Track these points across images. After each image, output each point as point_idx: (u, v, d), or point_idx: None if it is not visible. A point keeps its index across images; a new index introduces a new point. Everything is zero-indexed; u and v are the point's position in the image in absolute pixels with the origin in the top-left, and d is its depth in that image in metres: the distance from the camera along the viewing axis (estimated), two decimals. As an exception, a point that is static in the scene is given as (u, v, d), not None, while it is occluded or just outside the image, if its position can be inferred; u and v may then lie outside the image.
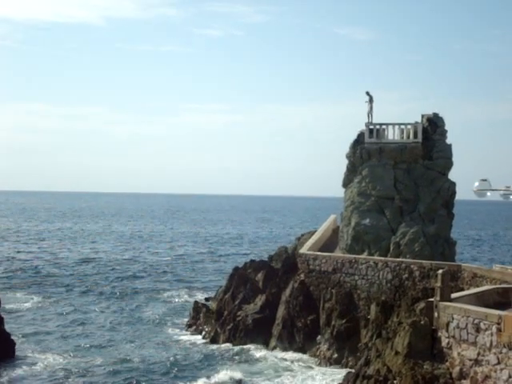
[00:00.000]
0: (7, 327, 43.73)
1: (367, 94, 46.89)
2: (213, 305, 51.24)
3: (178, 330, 50.16)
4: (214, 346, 44.16)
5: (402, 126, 45.84)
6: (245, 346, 42.82)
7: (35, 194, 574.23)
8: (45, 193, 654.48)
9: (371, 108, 46.81)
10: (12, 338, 42.62)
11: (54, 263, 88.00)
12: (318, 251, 44.77)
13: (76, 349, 44.28)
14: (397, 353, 27.23)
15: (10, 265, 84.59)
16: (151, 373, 39.08)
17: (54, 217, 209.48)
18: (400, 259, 39.94)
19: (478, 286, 32.88)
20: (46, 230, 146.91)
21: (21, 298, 62.30)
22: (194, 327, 50.13)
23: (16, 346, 42.31)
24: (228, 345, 43.71)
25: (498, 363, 23.29)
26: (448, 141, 45.67)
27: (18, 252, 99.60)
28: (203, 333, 47.61)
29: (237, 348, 42.85)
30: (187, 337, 47.97)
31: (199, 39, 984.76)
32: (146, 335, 48.65)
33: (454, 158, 45.30)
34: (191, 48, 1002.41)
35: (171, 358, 41.76)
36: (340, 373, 36.08)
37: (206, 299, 57.14)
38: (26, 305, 58.88)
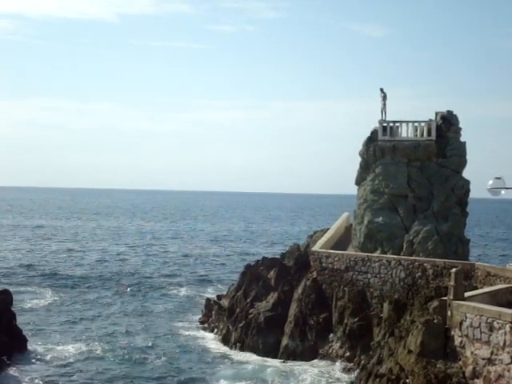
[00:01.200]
0: (20, 322, 44.01)
1: (381, 90, 46.57)
2: (225, 302, 51.21)
3: (190, 327, 50.20)
4: (223, 348, 43.91)
5: (416, 124, 45.52)
6: (253, 353, 42.14)
7: (45, 191, 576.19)
8: (55, 189, 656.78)
9: (385, 105, 46.50)
10: (24, 333, 42.80)
11: (67, 260, 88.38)
12: (331, 249, 44.62)
13: (87, 344, 44.42)
14: (409, 351, 27.11)
15: (24, 261, 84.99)
16: (157, 368, 39.61)
17: (68, 214, 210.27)
18: (413, 257, 39.72)
19: (491, 285, 32.67)
20: (61, 227, 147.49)
21: (33, 294, 62.50)
22: (206, 324, 50.20)
23: (28, 342, 42.48)
24: (237, 349, 43.14)
25: (512, 363, 23.14)
26: (462, 138, 45.41)
27: (32, 249, 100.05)
28: (215, 330, 47.63)
29: (244, 353, 42.22)
30: (199, 334, 48.06)
31: (212, 35, 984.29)
32: (157, 332, 48.70)
33: (468, 156, 45.00)
34: (204, 44, 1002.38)
35: (180, 356, 42.28)
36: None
37: (218, 296, 57.12)
38: (38, 301, 59.09)
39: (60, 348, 43.00)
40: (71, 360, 40.44)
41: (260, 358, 41.16)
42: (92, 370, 38.64)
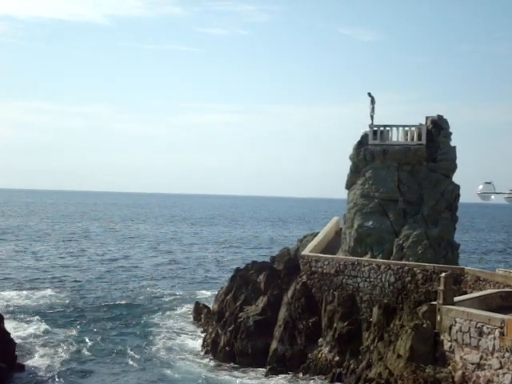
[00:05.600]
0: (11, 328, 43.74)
1: (369, 95, 46.66)
2: (214, 306, 51.10)
3: (179, 331, 50.08)
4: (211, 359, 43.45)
5: (406, 128, 45.58)
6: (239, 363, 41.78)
7: (38, 193, 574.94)
8: (46, 191, 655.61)
9: (373, 109, 46.58)
10: (12, 337, 42.43)
11: (63, 264, 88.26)
12: (321, 253, 44.57)
13: (77, 347, 44.60)
14: (399, 356, 27.09)
15: (16, 266, 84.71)
16: (145, 370, 40.08)
17: (62, 217, 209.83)
18: (403, 262, 39.73)
19: (481, 290, 32.74)
20: (58, 231, 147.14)
21: (25, 297, 62.07)
22: (195, 328, 50.05)
23: (16, 346, 42.03)
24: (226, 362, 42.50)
25: (501, 367, 23.16)
26: (452, 143, 45.51)
27: (35, 256, 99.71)
28: (204, 334, 47.50)
29: (232, 369, 41.35)
30: (187, 339, 47.95)
31: (203, 38, 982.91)
32: (146, 335, 48.74)
33: (458, 161, 45.12)
34: (195, 47, 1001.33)
35: (168, 361, 42.48)
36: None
37: (207, 300, 57.08)
38: (30, 304, 58.75)
39: (49, 353, 42.99)
40: (62, 364, 40.55)
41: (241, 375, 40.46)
42: (81, 375, 38.71)
